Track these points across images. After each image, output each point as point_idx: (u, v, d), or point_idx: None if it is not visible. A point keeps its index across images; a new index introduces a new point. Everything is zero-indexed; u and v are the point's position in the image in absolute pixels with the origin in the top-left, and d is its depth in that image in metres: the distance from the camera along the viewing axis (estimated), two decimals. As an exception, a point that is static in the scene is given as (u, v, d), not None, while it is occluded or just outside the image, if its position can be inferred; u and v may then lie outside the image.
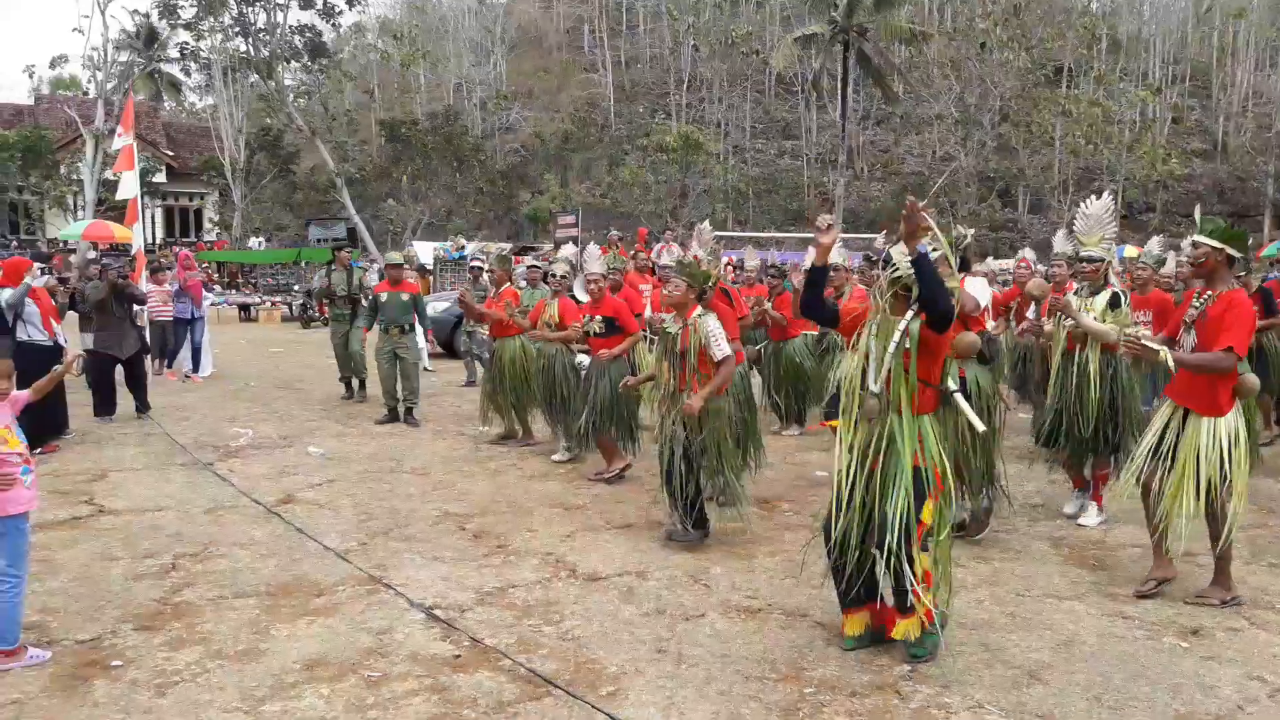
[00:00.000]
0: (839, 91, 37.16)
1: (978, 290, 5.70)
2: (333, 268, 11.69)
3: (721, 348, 5.50)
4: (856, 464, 3.99)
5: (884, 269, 4.04)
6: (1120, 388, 5.91)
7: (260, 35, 35.26)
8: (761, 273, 10.66)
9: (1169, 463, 4.67)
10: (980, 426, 4.26)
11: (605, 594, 4.88)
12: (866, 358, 4.00)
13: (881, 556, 3.86)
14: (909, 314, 3.92)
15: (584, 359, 7.89)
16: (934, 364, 4.00)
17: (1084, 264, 5.91)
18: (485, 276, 10.39)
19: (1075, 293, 6.12)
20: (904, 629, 4.01)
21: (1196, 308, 4.73)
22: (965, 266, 5.72)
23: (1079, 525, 6.18)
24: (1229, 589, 4.78)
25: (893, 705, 3.67)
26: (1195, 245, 4.77)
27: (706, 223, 7.12)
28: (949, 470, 4.07)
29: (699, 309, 5.63)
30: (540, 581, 5.07)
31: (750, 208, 44.96)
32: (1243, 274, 8.84)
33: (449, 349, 15.42)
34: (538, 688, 3.81)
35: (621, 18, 62.03)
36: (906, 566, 3.87)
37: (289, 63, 37.08)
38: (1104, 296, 5.80)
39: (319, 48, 36.80)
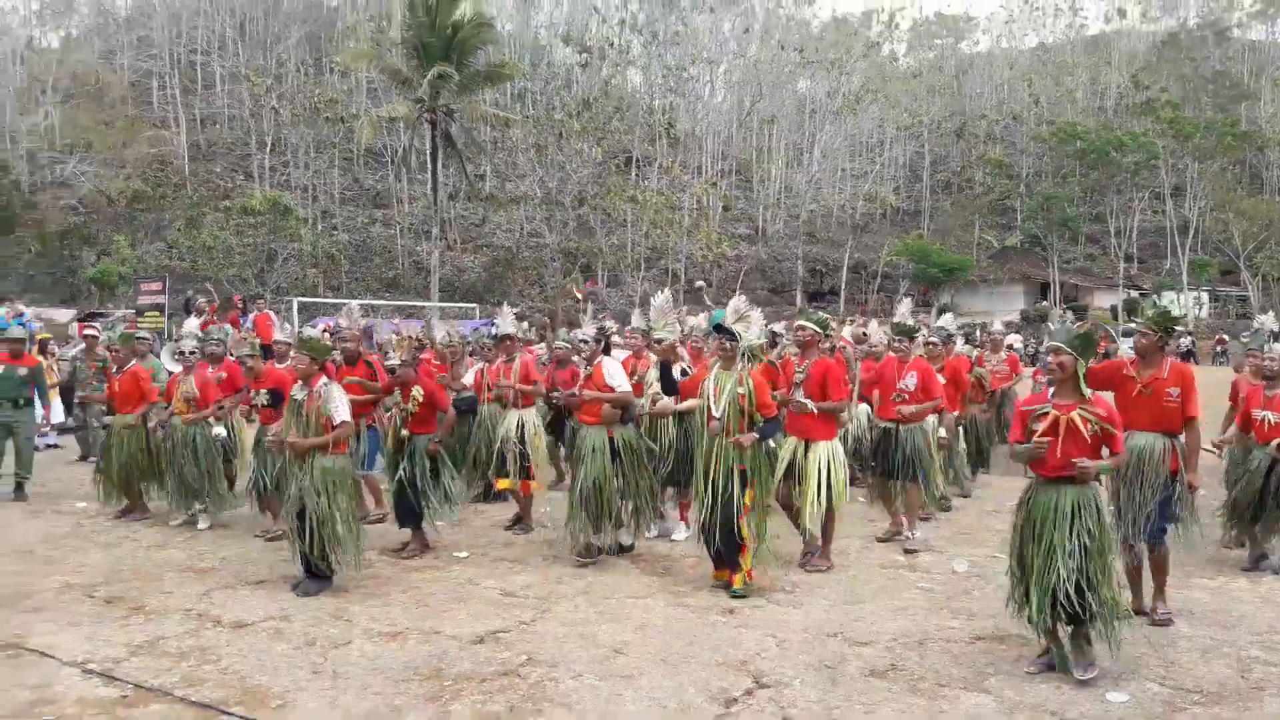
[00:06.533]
0: (429, 167, 38.45)
1: (614, 370, 6.98)
2: None
3: (340, 413, 6.22)
4: (705, 468, 6.09)
5: (730, 339, 6.09)
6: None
7: None
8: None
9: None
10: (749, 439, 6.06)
11: (256, 636, 5.39)
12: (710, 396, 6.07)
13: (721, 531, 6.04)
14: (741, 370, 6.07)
15: (220, 430, 8.13)
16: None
17: (658, 344, 7.08)
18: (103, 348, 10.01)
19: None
20: (738, 580, 6.14)
21: (800, 371, 6.75)
22: (607, 349, 7.05)
23: (672, 541, 7.67)
24: (828, 558, 6.92)
25: (515, 684, 4.67)
26: (801, 328, 6.88)
27: (354, 303, 7.84)
28: (763, 469, 6.23)
29: (324, 379, 6.34)
30: (189, 632, 5.43)
31: (344, 273, 44.73)
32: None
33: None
34: (212, 713, 4.31)
35: (196, 75, 59.13)
36: (736, 536, 6.04)
37: None
38: (656, 370, 7.17)
39: None
